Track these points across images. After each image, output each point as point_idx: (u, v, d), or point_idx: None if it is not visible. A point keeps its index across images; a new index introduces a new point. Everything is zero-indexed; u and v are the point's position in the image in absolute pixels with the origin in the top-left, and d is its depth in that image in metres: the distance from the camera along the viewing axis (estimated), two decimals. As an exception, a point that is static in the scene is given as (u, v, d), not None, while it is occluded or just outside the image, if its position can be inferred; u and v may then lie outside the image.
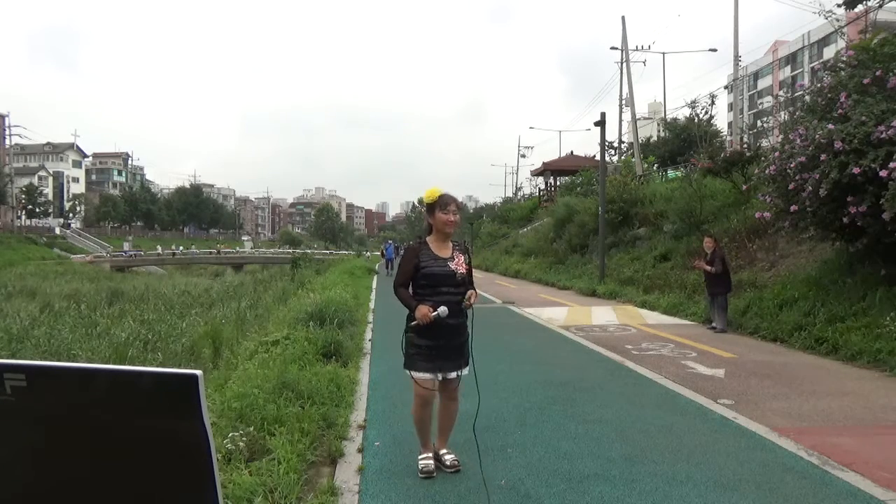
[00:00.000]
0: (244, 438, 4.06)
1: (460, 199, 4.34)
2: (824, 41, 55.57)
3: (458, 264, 3.98)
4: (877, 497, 3.69)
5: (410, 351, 3.96)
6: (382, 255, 34.88)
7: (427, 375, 3.94)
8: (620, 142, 38.96)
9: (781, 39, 64.02)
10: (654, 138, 45.88)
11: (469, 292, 3.94)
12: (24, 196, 70.12)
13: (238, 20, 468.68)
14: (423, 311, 3.81)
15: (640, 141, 33.38)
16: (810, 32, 54.74)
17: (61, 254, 57.18)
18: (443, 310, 3.79)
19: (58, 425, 1.01)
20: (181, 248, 73.24)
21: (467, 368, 4.06)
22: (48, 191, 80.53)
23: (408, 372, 3.99)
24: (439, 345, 3.90)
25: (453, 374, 3.99)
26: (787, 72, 65.25)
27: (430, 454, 4.07)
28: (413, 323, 3.87)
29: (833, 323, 9.08)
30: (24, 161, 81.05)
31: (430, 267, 3.92)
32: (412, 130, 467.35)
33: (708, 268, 10.95)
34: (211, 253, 71.70)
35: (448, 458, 4.12)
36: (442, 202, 3.99)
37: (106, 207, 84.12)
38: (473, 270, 4.19)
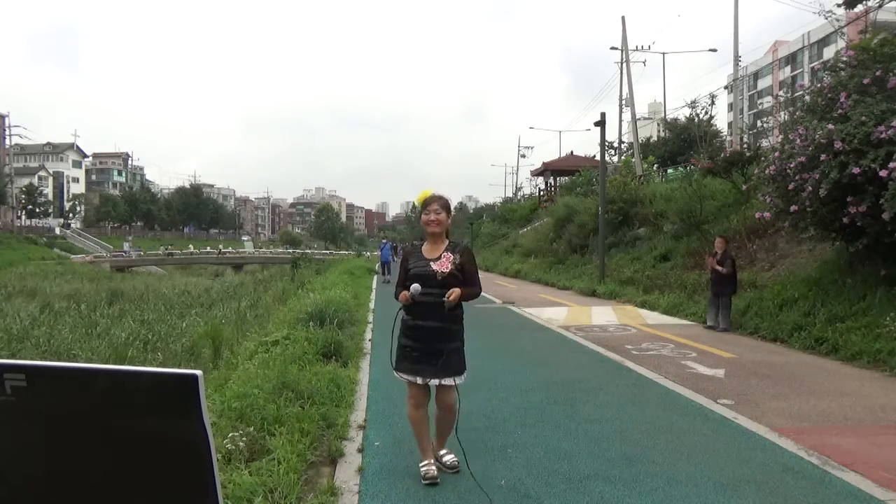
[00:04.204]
0: (244, 438, 4.05)
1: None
2: (824, 41, 55.55)
3: (443, 265, 3.87)
4: (877, 497, 3.69)
5: (397, 351, 3.98)
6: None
7: (407, 377, 3.95)
8: (620, 142, 38.97)
9: (781, 39, 64.03)
10: (654, 138, 45.92)
11: (450, 290, 3.76)
12: (24, 196, 70.11)
13: (239, 20, 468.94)
14: (403, 294, 3.86)
15: (640, 141, 33.39)
16: (810, 32, 54.71)
17: (61, 254, 57.14)
18: (415, 287, 3.79)
19: (58, 425, 1.01)
20: (230, 248, 76.17)
21: (457, 378, 3.91)
22: (48, 191, 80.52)
23: (394, 373, 4.03)
24: (418, 347, 3.87)
25: (434, 381, 3.86)
26: (787, 72, 65.23)
27: (431, 460, 4.00)
28: (399, 310, 3.93)
29: (833, 323, 9.08)
30: (24, 161, 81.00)
31: (414, 268, 3.92)
32: (412, 130, 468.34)
33: (719, 267, 11.04)
34: (253, 254, 74.18)
35: (447, 458, 4.11)
36: (424, 204, 3.99)
37: (106, 207, 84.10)
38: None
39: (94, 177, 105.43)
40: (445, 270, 3.85)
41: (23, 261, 46.94)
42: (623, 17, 31.38)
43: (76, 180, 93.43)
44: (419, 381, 3.90)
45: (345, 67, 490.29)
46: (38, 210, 73.45)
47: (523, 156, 69.57)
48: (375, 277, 25.99)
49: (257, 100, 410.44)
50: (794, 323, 9.66)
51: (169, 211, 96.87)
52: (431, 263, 3.88)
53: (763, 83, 69.67)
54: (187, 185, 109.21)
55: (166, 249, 65.85)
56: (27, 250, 53.55)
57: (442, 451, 4.15)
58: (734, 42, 26.10)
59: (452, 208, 4.15)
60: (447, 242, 4.02)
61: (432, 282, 3.83)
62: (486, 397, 5.99)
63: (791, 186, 9.73)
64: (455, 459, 4.09)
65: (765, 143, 19.95)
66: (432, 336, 3.84)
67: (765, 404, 6.09)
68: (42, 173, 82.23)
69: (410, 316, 3.91)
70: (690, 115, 33.59)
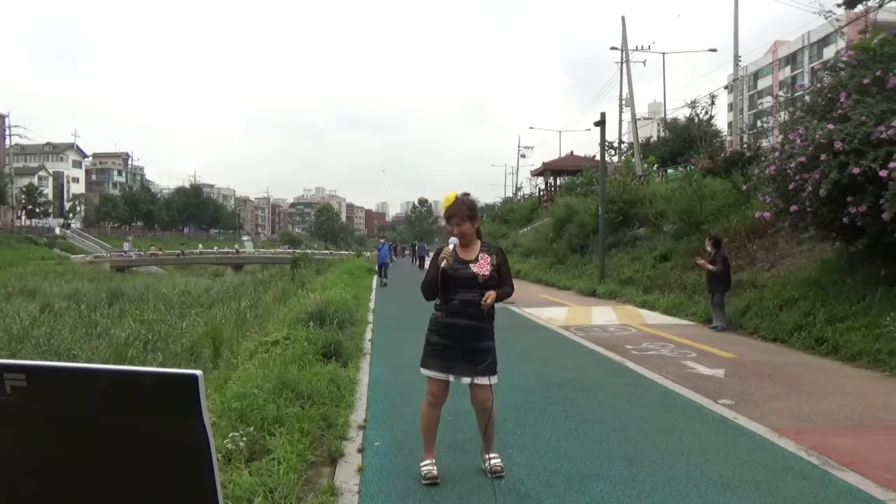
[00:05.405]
0: (244, 438, 4.05)
1: None
2: (824, 41, 55.56)
3: (482, 267, 3.90)
4: (877, 497, 3.69)
5: (426, 348, 3.97)
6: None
7: (435, 374, 3.91)
8: (620, 142, 38.97)
9: (781, 39, 64.05)
10: (654, 138, 45.95)
11: (487, 293, 3.80)
12: (24, 196, 70.16)
13: (239, 20, 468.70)
14: (446, 250, 3.87)
15: (640, 141, 33.42)
16: (810, 32, 54.69)
17: (61, 254, 57.18)
18: (452, 239, 3.91)
19: (58, 425, 1.01)
20: (237, 246, 77.83)
21: (492, 378, 3.91)
22: (48, 191, 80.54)
23: (421, 370, 3.99)
24: (451, 345, 3.86)
25: (467, 379, 3.87)
26: (787, 72, 65.25)
27: (433, 460, 3.98)
28: (441, 266, 3.87)
29: (833, 323, 9.07)
30: (24, 161, 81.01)
31: (452, 270, 3.88)
32: (412, 130, 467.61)
33: (710, 266, 11.09)
34: (253, 254, 75.95)
35: (495, 462, 4.02)
36: (446, 216, 4.02)
37: (106, 207, 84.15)
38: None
39: (94, 177, 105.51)
40: (486, 273, 3.90)
41: (23, 261, 46.96)
42: (623, 18, 31.46)
43: (76, 180, 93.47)
44: (451, 378, 3.90)
45: (345, 67, 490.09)
46: (38, 210, 73.51)
47: (523, 156, 69.45)
48: (375, 278, 25.83)
49: (257, 100, 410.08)
50: (794, 323, 9.66)
51: (169, 211, 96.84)
52: (471, 265, 3.91)
53: (763, 83, 69.68)
54: (187, 185, 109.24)
55: (180, 251, 65.88)
56: (27, 250, 53.60)
57: (490, 455, 4.04)
58: (734, 42, 26.13)
59: (476, 208, 4.15)
60: (480, 243, 4.03)
61: (473, 283, 3.86)
62: (486, 397, 5.98)
63: (791, 186, 9.74)
64: (498, 465, 4.01)
65: (765, 143, 19.94)
66: (467, 335, 3.86)
67: (765, 404, 6.09)
68: (42, 173, 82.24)
69: (444, 314, 3.90)
70: (690, 115, 33.68)
